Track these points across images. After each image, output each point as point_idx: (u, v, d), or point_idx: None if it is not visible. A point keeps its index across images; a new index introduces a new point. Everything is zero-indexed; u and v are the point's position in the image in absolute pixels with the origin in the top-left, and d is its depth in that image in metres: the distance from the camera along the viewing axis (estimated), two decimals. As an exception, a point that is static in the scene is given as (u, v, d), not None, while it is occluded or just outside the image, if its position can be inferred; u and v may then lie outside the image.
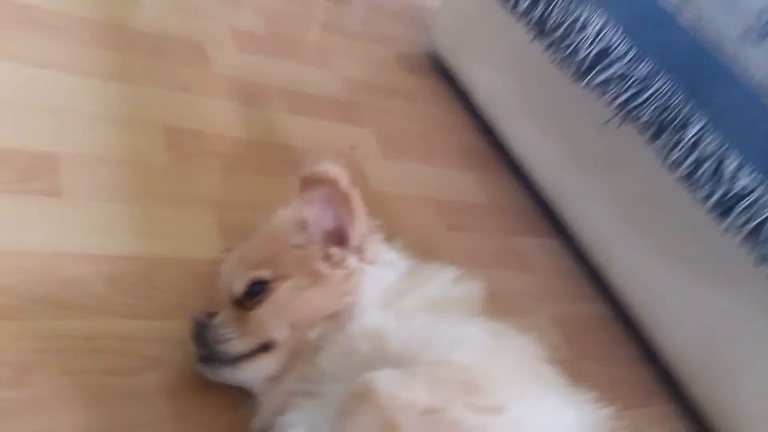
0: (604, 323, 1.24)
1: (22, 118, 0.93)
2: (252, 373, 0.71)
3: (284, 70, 1.41)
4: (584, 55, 1.13)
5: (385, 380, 0.53)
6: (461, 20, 1.60)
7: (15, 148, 0.88)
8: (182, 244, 0.90)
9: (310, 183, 0.73)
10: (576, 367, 1.00)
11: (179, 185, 0.98)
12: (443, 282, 0.76)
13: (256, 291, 0.72)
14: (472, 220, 1.31)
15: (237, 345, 0.70)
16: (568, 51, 1.17)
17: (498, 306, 0.75)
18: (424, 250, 0.85)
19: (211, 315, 0.73)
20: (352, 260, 0.73)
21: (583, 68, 1.15)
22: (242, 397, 0.75)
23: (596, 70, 1.12)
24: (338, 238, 0.74)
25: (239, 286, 0.73)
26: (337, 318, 0.69)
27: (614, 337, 1.22)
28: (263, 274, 0.72)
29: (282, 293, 0.71)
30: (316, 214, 0.74)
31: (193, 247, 0.90)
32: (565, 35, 1.17)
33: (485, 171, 1.47)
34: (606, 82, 1.11)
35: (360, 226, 0.73)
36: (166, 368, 0.75)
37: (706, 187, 0.99)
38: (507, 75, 1.45)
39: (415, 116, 1.53)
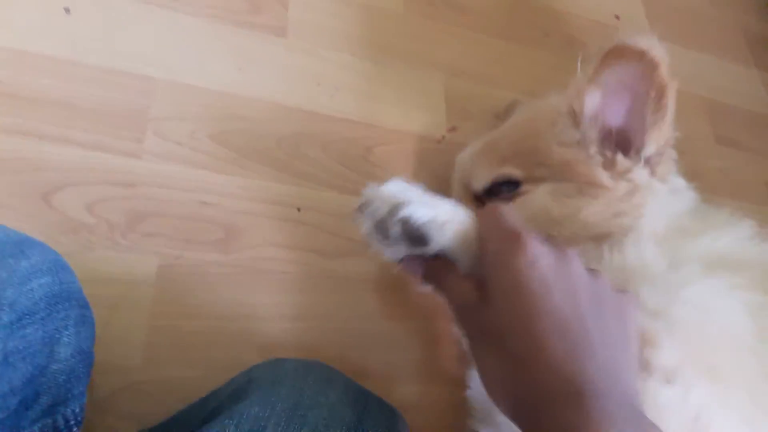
0: None
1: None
2: None
3: None
4: None
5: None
6: None
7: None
8: (403, 113, 0.76)
9: (618, 58, 0.52)
10: None
11: (410, 41, 0.82)
12: (738, 236, 0.56)
13: (502, 191, 0.58)
14: (751, 135, 1.01)
15: None
16: None
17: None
18: (681, 165, 0.64)
19: None
20: (641, 174, 0.55)
21: None
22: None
23: None
24: (619, 140, 0.56)
25: (480, 182, 0.60)
26: (599, 241, 0.53)
27: None
28: (514, 172, 0.58)
29: (537, 198, 0.56)
30: (605, 103, 0.55)
31: (414, 118, 0.76)
32: None
33: (781, 73, 1.11)
34: None
35: (664, 131, 0.54)
36: (373, 258, 0.65)
37: None
38: None
39: (700, -16, 1.18)
